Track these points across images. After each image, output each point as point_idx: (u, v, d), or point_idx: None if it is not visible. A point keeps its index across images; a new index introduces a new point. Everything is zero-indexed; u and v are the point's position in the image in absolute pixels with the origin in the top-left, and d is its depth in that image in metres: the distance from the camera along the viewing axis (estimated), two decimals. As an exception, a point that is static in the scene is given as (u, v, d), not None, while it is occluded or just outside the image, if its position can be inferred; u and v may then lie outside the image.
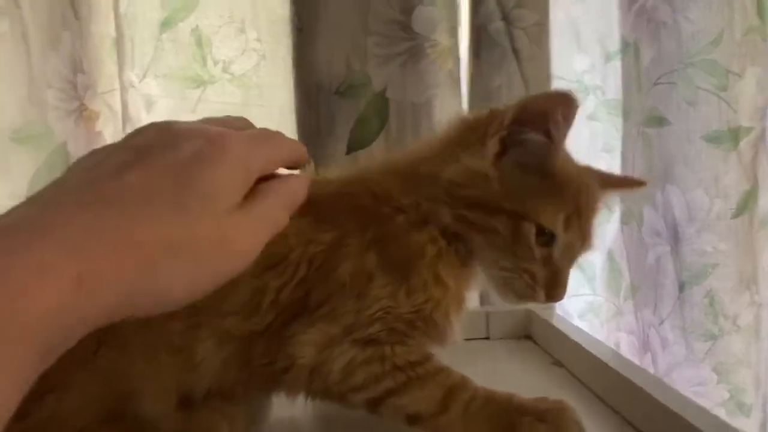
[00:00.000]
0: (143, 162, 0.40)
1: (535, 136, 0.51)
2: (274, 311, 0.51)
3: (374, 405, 0.50)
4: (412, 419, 0.49)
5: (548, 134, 0.51)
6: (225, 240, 0.41)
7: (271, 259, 0.51)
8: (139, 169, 0.39)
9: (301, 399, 0.54)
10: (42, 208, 0.37)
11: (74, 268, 0.34)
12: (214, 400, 0.53)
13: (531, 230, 0.51)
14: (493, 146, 0.52)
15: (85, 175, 0.40)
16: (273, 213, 0.45)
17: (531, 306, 0.85)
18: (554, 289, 0.53)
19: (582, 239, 0.54)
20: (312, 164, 0.52)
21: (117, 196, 0.38)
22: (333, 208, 0.54)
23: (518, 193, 0.52)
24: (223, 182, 0.41)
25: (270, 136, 0.47)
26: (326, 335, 0.50)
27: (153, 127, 0.44)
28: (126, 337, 0.49)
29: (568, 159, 0.56)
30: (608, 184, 0.60)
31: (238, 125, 0.47)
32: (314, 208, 0.52)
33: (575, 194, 0.53)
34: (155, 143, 0.42)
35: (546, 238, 0.52)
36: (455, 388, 0.50)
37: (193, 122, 0.46)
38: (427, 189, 0.53)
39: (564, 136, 0.52)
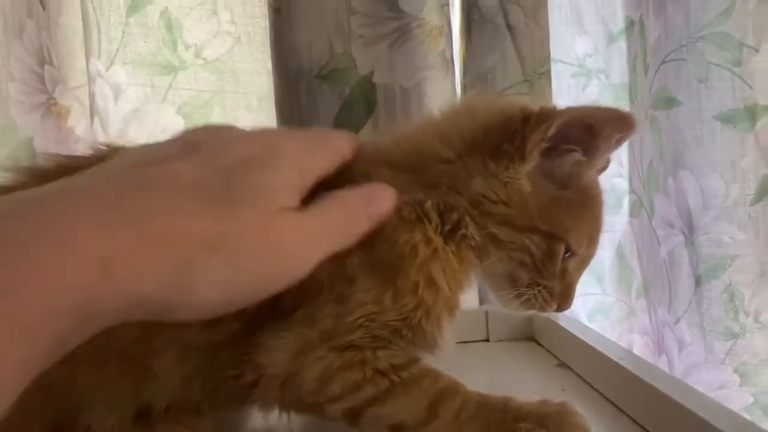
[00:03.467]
0: (193, 155, 0.37)
1: (575, 153, 0.49)
2: (241, 320, 0.45)
3: (354, 416, 0.45)
4: (397, 430, 0.44)
5: (589, 152, 0.49)
6: (272, 241, 0.37)
7: None
8: (188, 161, 0.37)
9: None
10: (75, 184, 0.34)
11: (102, 248, 0.30)
12: (177, 412, 0.48)
13: (562, 251, 0.49)
14: (533, 160, 0.48)
15: (129, 161, 0.37)
16: (336, 219, 0.41)
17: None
18: (566, 301, 0.52)
19: (595, 251, 0.54)
20: None
21: (160, 182, 0.35)
22: None
23: (551, 211, 0.49)
24: (275, 184, 0.38)
25: (323, 138, 0.46)
26: (300, 340, 0.45)
27: (208, 126, 0.44)
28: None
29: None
30: None
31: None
32: None
33: (597, 210, 0.52)
34: (208, 140, 0.40)
35: (567, 253, 0.50)
36: (444, 393, 0.45)
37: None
38: (443, 194, 0.48)
39: (604, 157, 0.51)
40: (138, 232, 0.31)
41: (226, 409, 0.50)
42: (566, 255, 0.50)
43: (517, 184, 0.48)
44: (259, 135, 0.42)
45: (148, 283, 0.31)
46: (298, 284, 0.44)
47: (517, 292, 0.50)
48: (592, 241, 0.53)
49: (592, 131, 0.48)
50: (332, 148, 0.45)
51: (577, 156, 0.49)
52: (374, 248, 0.46)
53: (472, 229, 0.48)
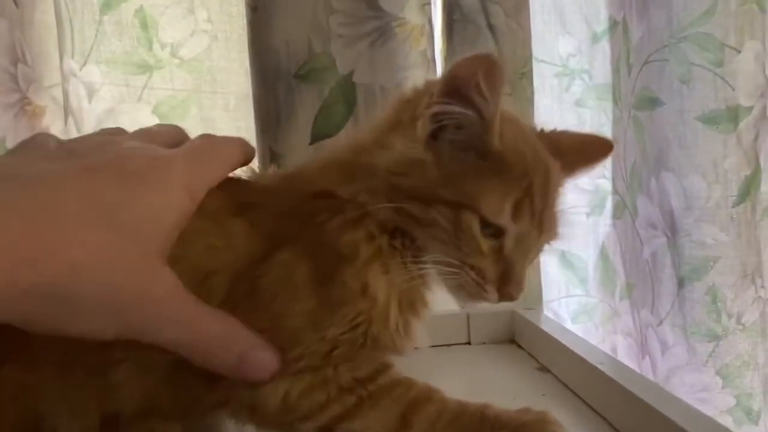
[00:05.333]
0: (78, 159, 0.38)
1: (464, 110, 0.44)
2: None
3: None
4: None
5: (475, 107, 0.44)
6: (147, 274, 0.38)
7: (194, 274, 0.43)
8: (73, 162, 0.37)
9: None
10: None
11: None
12: (145, 416, 0.46)
13: (473, 221, 0.44)
14: (423, 125, 0.45)
15: (15, 158, 0.39)
16: (209, 332, 0.41)
17: (516, 308, 0.80)
18: (507, 286, 0.46)
19: (539, 228, 0.47)
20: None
21: (41, 179, 0.35)
22: (263, 213, 0.47)
23: (457, 178, 0.45)
24: (162, 211, 0.39)
25: (212, 149, 0.45)
26: None
27: (95, 136, 0.44)
28: (34, 352, 0.42)
29: (519, 133, 0.48)
30: (575, 152, 0.52)
31: (172, 136, 0.46)
32: (250, 211, 0.46)
33: (524, 175, 0.46)
34: (95, 150, 0.40)
35: (495, 228, 0.45)
36: (417, 401, 0.44)
37: (134, 136, 0.45)
38: (366, 180, 0.46)
39: (494, 107, 0.44)
40: (25, 231, 0.33)
41: (198, 417, 0.49)
42: (492, 229, 0.45)
43: (412, 152, 0.45)
44: (149, 148, 0.42)
45: (32, 278, 0.33)
46: (246, 299, 0.44)
47: (452, 274, 0.46)
48: (522, 211, 0.46)
49: (469, 86, 0.44)
50: (222, 157, 0.46)
51: (466, 111, 0.44)
52: (321, 255, 0.44)
53: (385, 207, 0.45)
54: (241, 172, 0.50)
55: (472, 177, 0.45)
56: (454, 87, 0.44)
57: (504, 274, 0.46)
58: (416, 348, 0.49)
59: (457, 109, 0.44)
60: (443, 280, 0.47)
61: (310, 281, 0.44)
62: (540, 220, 0.46)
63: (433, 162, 0.45)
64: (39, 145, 0.42)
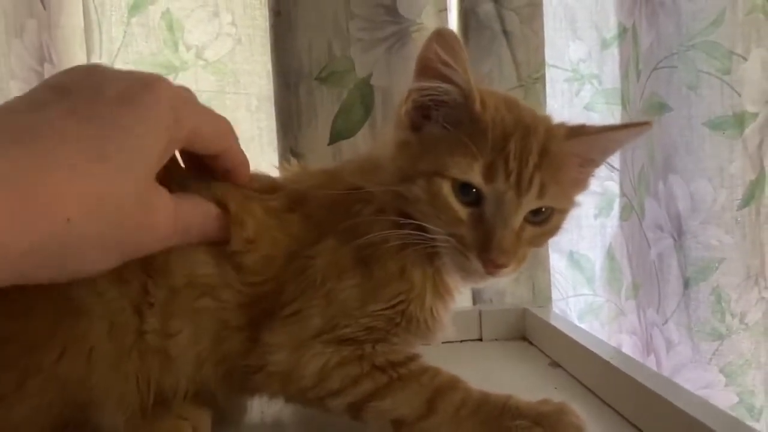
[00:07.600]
0: (63, 100, 0.36)
1: (438, 84, 0.47)
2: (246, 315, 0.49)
3: (356, 410, 0.47)
4: (397, 424, 0.46)
5: (446, 78, 0.47)
6: (146, 205, 0.38)
7: (263, 260, 0.49)
8: (58, 106, 0.36)
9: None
10: None
11: None
12: (180, 405, 0.49)
13: (443, 186, 0.46)
14: (406, 110, 0.49)
15: None
16: (194, 220, 0.45)
17: (527, 306, 0.81)
18: (487, 251, 0.45)
19: (516, 188, 0.46)
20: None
21: (29, 133, 0.33)
22: (314, 204, 0.51)
23: (433, 150, 0.47)
24: (150, 133, 0.38)
25: (202, 104, 0.46)
26: (293, 338, 0.47)
27: (78, 67, 0.42)
28: (93, 344, 0.45)
29: (502, 102, 0.50)
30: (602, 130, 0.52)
31: None
32: (302, 206, 0.51)
33: (501, 139, 0.46)
34: (78, 82, 0.38)
35: (472, 196, 0.47)
36: (443, 389, 0.46)
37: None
38: (379, 173, 0.50)
39: (463, 71, 0.46)
40: (17, 191, 0.31)
41: (234, 394, 0.52)
42: (470, 197, 0.46)
43: (400, 137, 0.49)
44: (134, 72, 0.41)
45: (24, 241, 0.32)
46: (299, 276, 0.48)
47: (442, 249, 0.48)
48: (496, 173, 0.46)
49: (433, 61, 0.47)
50: (209, 111, 0.46)
51: (444, 85, 0.47)
52: (357, 241, 0.48)
53: (388, 194, 0.49)
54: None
55: (447, 146, 0.47)
56: (422, 67, 0.47)
57: (484, 239, 0.46)
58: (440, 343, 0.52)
59: (431, 84, 0.47)
60: (444, 257, 0.49)
61: (354, 262, 0.48)
62: (518, 181, 0.46)
63: (417, 142, 0.48)
64: (18, 100, 0.38)
